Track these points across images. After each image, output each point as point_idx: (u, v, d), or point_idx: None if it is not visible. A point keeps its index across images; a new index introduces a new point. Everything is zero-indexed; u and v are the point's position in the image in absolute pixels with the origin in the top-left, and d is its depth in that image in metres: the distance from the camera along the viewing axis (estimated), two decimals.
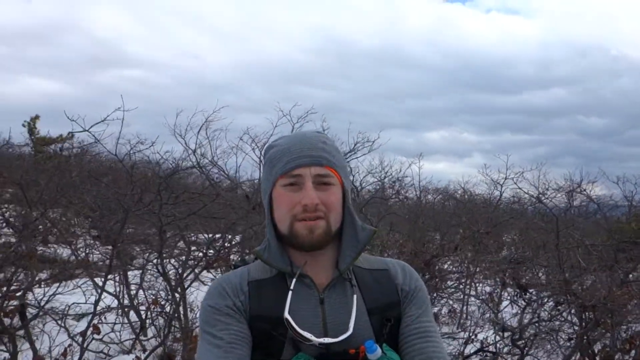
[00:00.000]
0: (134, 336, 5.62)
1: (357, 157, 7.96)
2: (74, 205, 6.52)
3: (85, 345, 4.60)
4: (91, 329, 4.67)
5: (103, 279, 5.06)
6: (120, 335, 5.69)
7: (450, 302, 6.77)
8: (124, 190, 4.88)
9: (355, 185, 8.73)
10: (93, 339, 4.78)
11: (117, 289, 5.97)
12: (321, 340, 1.21)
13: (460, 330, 5.63)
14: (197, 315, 5.39)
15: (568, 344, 5.16)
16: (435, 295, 5.41)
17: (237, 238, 6.51)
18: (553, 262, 5.92)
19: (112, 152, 5.43)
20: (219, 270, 5.77)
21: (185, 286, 5.14)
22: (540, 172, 8.22)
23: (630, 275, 5.56)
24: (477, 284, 7.20)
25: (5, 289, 5.30)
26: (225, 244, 5.82)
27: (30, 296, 5.21)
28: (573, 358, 4.94)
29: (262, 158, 1.44)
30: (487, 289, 7.08)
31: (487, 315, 6.29)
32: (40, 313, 5.22)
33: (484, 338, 5.13)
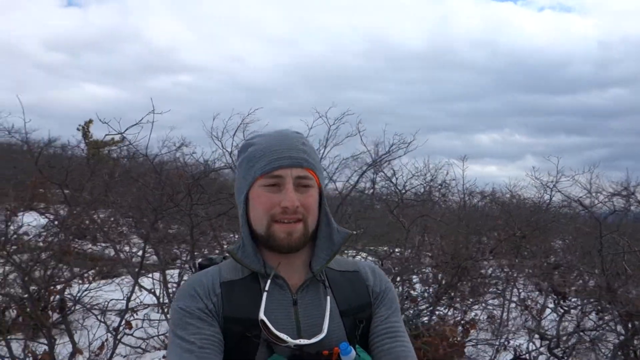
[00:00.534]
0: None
1: (397, 158, 7.80)
2: (116, 205, 6.75)
3: (119, 338, 4.75)
4: (123, 324, 4.81)
5: (136, 276, 5.21)
6: (158, 331, 5.85)
7: (490, 307, 6.59)
8: (154, 191, 4.99)
9: (399, 189, 8.62)
10: (125, 334, 4.91)
11: (156, 287, 6.14)
12: (297, 341, 1.20)
13: (494, 337, 5.47)
14: None
15: (611, 353, 4.93)
16: (470, 300, 5.27)
17: None
18: (596, 268, 5.67)
19: (148, 154, 5.63)
20: None
21: None
22: (593, 175, 7.86)
23: None
24: (519, 290, 6.96)
25: (46, 284, 5.56)
26: None
27: (73, 291, 5.45)
28: None
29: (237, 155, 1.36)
30: (527, 294, 6.85)
31: (527, 322, 6.08)
32: (80, 308, 5.44)
33: (517, 345, 4.95)
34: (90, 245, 7.75)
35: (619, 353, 4.82)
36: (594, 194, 7.46)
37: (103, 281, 6.49)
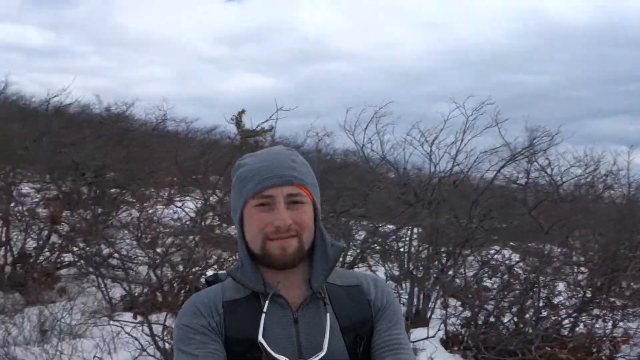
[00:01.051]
0: None
1: (553, 146, 7.11)
2: None
3: None
4: None
5: None
6: None
7: None
8: None
9: (554, 180, 7.91)
10: None
11: None
12: None
13: None
14: None
15: None
16: (622, 311, 4.65)
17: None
18: None
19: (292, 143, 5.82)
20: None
21: None
22: None
23: None
24: None
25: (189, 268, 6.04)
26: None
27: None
28: None
29: (232, 177, 1.39)
30: None
31: None
32: None
33: None
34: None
35: None
36: None
37: None
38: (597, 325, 4.79)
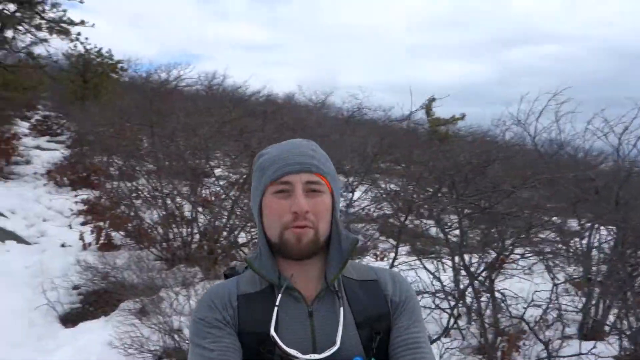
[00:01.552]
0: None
1: None
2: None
3: None
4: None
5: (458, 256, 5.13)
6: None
7: None
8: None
9: None
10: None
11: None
12: (307, 357, 1.20)
13: None
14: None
15: None
16: None
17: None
18: None
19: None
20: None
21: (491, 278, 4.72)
22: None
23: None
24: None
25: None
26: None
27: None
28: None
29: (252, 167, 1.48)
30: None
31: None
32: None
33: None
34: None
35: None
36: None
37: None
38: None
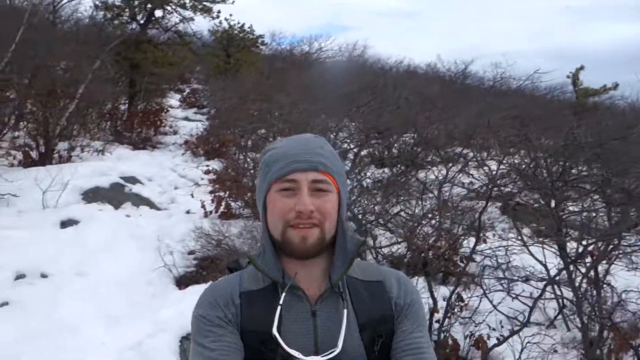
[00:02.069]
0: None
1: None
2: None
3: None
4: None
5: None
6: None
7: None
8: None
9: None
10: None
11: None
12: (309, 358, 1.18)
13: None
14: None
15: None
16: None
17: None
18: None
19: None
20: None
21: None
22: None
23: None
24: None
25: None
26: None
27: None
28: None
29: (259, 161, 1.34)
30: None
31: None
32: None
33: None
34: None
35: None
36: None
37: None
38: None
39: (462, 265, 5.73)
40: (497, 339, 4.05)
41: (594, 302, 4.39)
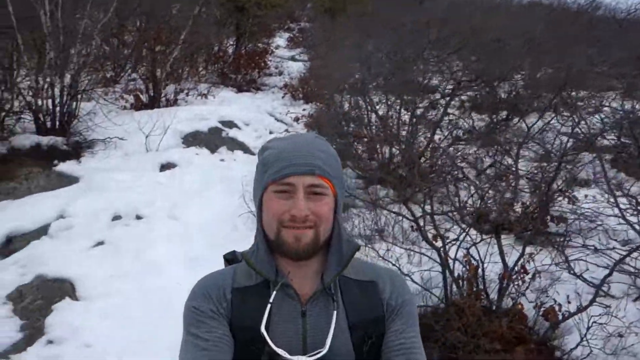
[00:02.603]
0: None
1: None
2: None
3: None
4: None
5: None
6: None
7: None
8: None
9: None
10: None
11: None
12: (295, 358, 1.20)
13: None
14: None
15: None
16: None
17: None
18: None
19: None
20: None
21: None
22: None
23: None
24: None
25: None
26: None
27: None
28: None
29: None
30: None
31: None
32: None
33: None
34: None
35: None
36: None
37: None
38: None
39: (549, 226, 5.30)
40: (562, 314, 3.72)
41: None
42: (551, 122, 7.29)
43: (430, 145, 7.31)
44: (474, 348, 3.54)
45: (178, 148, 8.33)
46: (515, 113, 8.57)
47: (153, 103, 10.53)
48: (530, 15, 15.00)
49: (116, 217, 5.95)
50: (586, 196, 5.64)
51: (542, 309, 3.80)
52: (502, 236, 4.55)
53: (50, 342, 4.01)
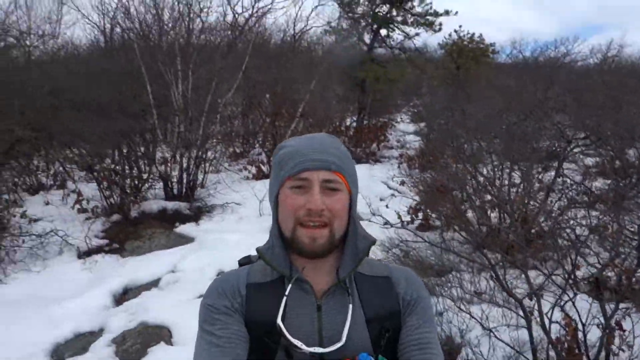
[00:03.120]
0: None
1: None
2: None
3: None
4: None
5: None
6: None
7: None
8: None
9: None
10: None
11: None
12: (312, 349, 1.21)
13: None
14: None
15: None
16: None
17: None
18: None
19: None
20: None
21: None
22: None
23: None
24: None
25: None
26: None
27: None
28: None
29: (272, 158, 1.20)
30: None
31: None
32: None
33: None
34: None
35: None
36: None
37: None
38: None
39: None
40: None
41: None
42: None
43: (542, 210, 6.80)
44: None
45: None
46: None
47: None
48: None
49: (220, 272, 6.24)
50: None
51: None
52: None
53: None
